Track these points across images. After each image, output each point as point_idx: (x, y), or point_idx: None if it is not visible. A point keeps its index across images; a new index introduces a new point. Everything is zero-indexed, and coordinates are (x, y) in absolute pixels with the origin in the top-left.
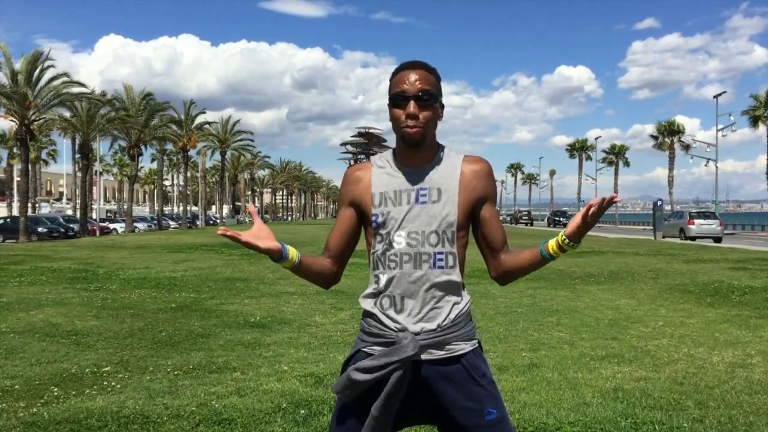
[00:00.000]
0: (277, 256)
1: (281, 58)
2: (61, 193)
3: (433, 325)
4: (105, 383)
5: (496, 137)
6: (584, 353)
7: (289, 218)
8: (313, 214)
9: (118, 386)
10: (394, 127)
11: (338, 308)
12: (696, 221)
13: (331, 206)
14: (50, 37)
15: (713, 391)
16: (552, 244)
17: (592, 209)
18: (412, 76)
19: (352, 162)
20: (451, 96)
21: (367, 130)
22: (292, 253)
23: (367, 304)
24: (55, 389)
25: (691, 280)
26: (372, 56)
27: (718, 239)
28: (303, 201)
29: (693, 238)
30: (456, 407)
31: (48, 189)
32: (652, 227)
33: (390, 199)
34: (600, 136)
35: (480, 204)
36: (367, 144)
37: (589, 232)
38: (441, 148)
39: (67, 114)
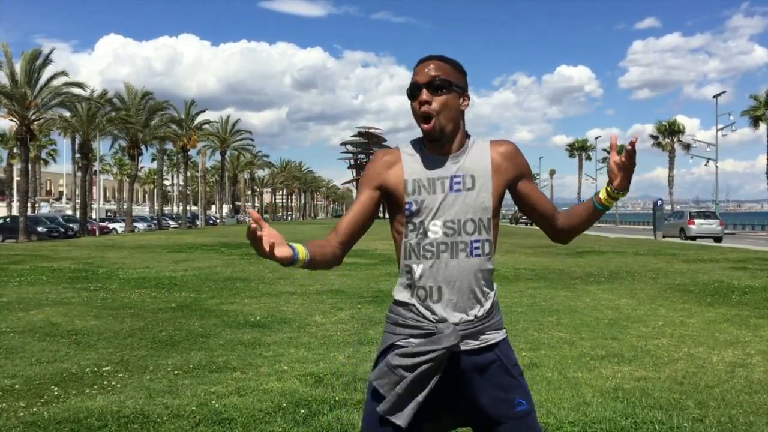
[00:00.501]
0: (289, 261)
1: (281, 58)
2: (61, 193)
3: (470, 316)
4: (105, 383)
5: (496, 137)
6: (584, 353)
7: (289, 218)
8: (313, 214)
9: (119, 386)
10: (416, 121)
11: (338, 308)
12: (696, 221)
13: (331, 206)
14: (50, 36)
15: (713, 390)
16: (603, 195)
17: (624, 155)
18: (426, 67)
19: (351, 162)
20: None
21: (367, 130)
22: (302, 254)
23: (403, 296)
24: (55, 389)
25: (691, 280)
26: (372, 56)
27: (718, 239)
28: (303, 201)
29: (693, 238)
30: (486, 397)
31: (48, 189)
32: (652, 227)
33: (424, 187)
34: (600, 136)
35: (516, 182)
36: (366, 144)
37: (589, 232)
38: (468, 136)
39: (67, 114)
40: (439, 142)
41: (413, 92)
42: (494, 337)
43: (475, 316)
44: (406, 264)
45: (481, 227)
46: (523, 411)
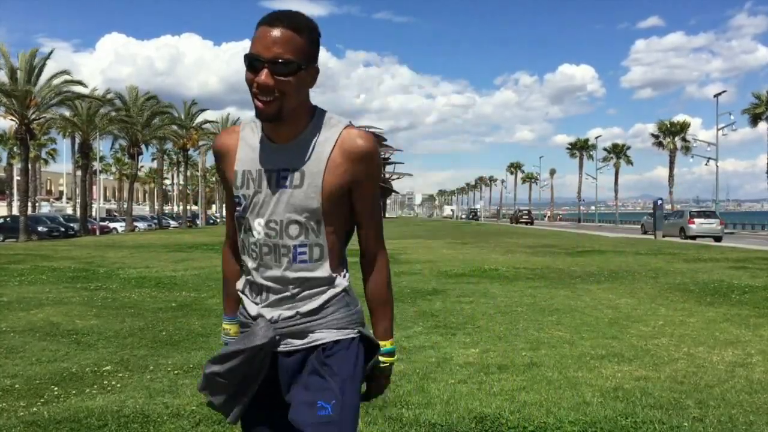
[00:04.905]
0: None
1: None
2: (61, 193)
3: (291, 312)
4: (105, 382)
5: (497, 136)
6: (584, 352)
7: None
8: None
9: (119, 385)
10: (250, 93)
11: None
12: (696, 220)
13: None
14: (52, 36)
15: (713, 390)
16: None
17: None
18: (272, 35)
19: None
20: (452, 95)
21: (367, 130)
22: (233, 329)
23: (240, 286)
24: (56, 388)
25: (691, 280)
26: (374, 56)
27: (718, 238)
28: None
29: (693, 237)
30: (295, 400)
31: (48, 188)
32: (652, 226)
33: (252, 180)
34: (600, 135)
35: (350, 190)
36: None
37: (590, 231)
38: (318, 116)
39: (67, 113)
40: (273, 124)
41: (252, 65)
42: (324, 337)
43: (298, 312)
44: (243, 258)
45: (309, 230)
46: (324, 416)
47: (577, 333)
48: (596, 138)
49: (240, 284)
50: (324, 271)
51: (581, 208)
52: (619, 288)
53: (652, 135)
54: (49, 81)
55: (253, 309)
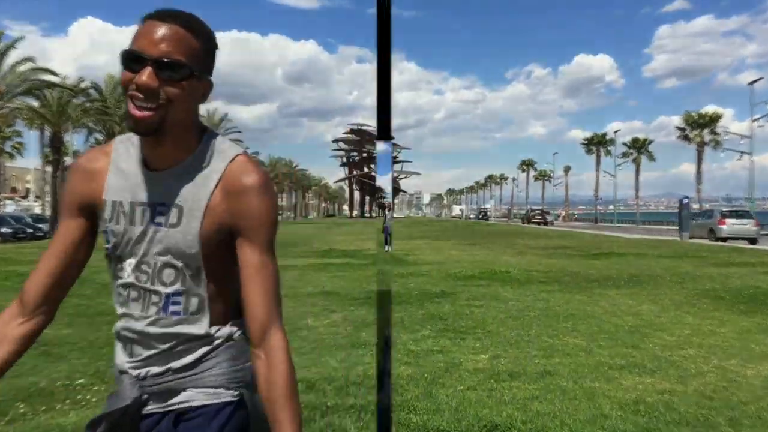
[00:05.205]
0: None
1: (273, 50)
2: (28, 190)
3: (161, 368)
4: (79, 397)
5: (508, 132)
6: (602, 362)
7: (279, 217)
8: (304, 213)
9: (94, 399)
10: (126, 98)
11: (330, 310)
12: (728, 221)
13: (323, 204)
14: (17, 18)
15: (747, 407)
16: None
17: None
18: (161, 31)
19: (344, 160)
20: (461, 91)
21: (359, 127)
22: None
23: (114, 329)
24: (22, 405)
25: (722, 286)
26: (367, 52)
27: (753, 240)
28: (294, 199)
29: (724, 239)
30: None
31: (13, 185)
32: (677, 227)
33: (123, 213)
34: (619, 130)
35: (232, 236)
36: (359, 141)
37: (608, 232)
38: (207, 140)
39: (35, 103)
40: (152, 145)
41: (129, 64)
42: (189, 399)
43: (170, 368)
44: (113, 301)
45: (186, 277)
46: None
47: (594, 341)
48: (615, 132)
49: (115, 327)
50: (200, 327)
51: (598, 207)
52: (640, 293)
53: (678, 128)
54: (13, 67)
55: (120, 361)
